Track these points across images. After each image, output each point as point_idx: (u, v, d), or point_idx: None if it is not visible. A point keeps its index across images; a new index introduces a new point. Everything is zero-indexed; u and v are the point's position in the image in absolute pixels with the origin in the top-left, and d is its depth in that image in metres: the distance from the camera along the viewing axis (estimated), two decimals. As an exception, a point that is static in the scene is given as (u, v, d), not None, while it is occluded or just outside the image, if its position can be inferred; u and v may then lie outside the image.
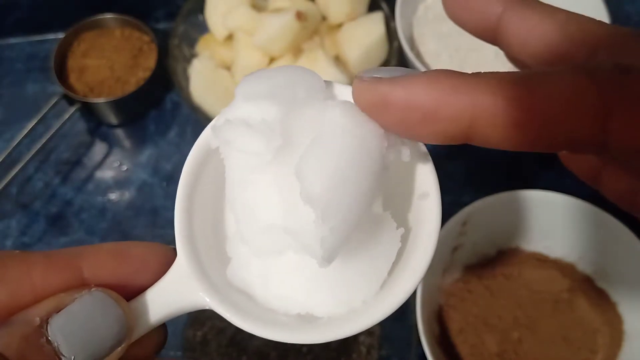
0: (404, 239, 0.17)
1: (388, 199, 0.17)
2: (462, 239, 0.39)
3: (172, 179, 0.47)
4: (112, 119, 0.49)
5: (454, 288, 0.39)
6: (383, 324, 0.39)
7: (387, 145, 0.15)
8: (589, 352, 0.37)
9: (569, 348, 0.37)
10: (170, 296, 0.16)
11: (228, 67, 0.46)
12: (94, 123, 0.50)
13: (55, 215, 0.46)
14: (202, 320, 0.39)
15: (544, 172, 0.47)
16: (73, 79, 0.49)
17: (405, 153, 0.16)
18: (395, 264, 0.16)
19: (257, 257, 0.16)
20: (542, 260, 0.40)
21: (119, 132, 0.50)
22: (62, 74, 0.49)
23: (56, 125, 0.47)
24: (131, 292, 0.16)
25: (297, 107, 0.16)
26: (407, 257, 0.17)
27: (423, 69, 0.45)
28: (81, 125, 0.50)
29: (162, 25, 0.54)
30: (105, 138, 0.50)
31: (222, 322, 0.38)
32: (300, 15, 0.41)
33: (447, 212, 0.45)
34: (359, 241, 0.16)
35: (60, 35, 0.50)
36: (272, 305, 0.17)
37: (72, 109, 0.47)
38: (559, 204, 0.38)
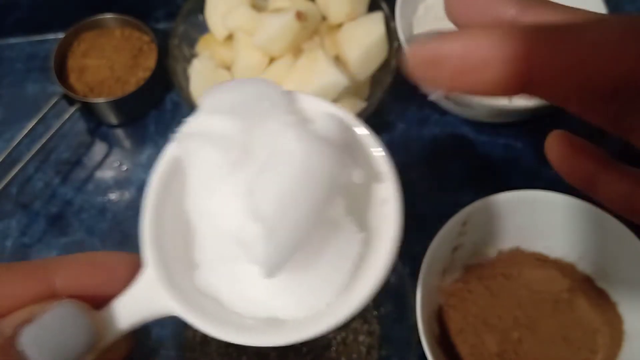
0: (367, 242, 0.18)
1: (353, 204, 0.18)
2: (462, 239, 0.39)
3: (172, 179, 0.47)
4: (112, 119, 0.49)
5: (454, 288, 0.39)
6: (383, 324, 0.39)
7: (339, 168, 0.16)
8: (589, 352, 0.37)
9: (569, 348, 0.37)
10: (138, 304, 0.17)
11: (228, 67, 0.46)
12: (94, 123, 0.50)
13: (55, 215, 0.46)
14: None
15: (543, 172, 0.47)
16: (73, 79, 0.49)
17: (358, 175, 0.17)
18: (359, 266, 0.18)
19: (219, 264, 0.17)
20: (542, 260, 0.40)
21: (119, 132, 0.50)
22: (62, 74, 0.49)
23: (56, 125, 0.47)
24: (102, 301, 0.17)
25: (257, 122, 0.16)
26: (369, 260, 0.18)
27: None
28: (81, 125, 0.50)
29: (162, 25, 0.54)
30: (105, 138, 0.50)
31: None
32: (300, 15, 0.41)
33: (447, 212, 0.45)
34: (319, 247, 0.17)
35: (60, 35, 0.50)
36: (238, 309, 0.18)
37: (72, 109, 0.47)
38: (559, 204, 0.38)
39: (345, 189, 0.17)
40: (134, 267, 0.17)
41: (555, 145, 0.19)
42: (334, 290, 0.18)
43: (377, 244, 0.18)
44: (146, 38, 0.50)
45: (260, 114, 0.17)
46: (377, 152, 0.18)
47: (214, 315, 0.17)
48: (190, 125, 0.17)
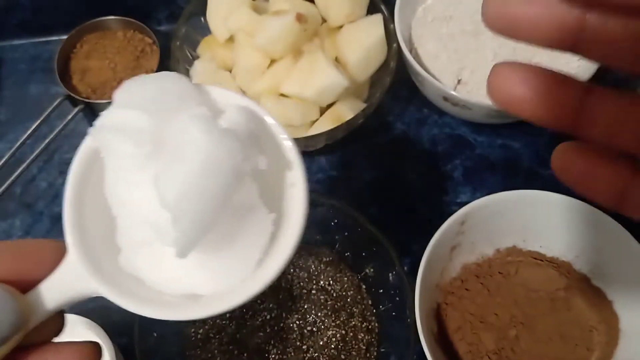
0: (278, 223, 0.20)
1: (266, 189, 0.19)
2: (460, 238, 0.39)
3: (173, 179, 0.48)
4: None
5: (452, 286, 0.40)
6: (382, 322, 0.39)
7: (242, 157, 0.17)
8: (586, 350, 0.37)
9: (565, 346, 0.38)
10: (62, 286, 0.18)
11: (229, 69, 0.47)
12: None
13: (58, 215, 0.46)
14: (203, 319, 0.39)
15: (541, 172, 0.48)
16: (76, 80, 0.49)
17: (263, 162, 0.18)
18: (272, 244, 0.19)
19: (140, 247, 0.19)
20: (539, 259, 0.41)
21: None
22: (65, 76, 0.50)
23: (59, 125, 0.47)
24: (29, 286, 0.18)
25: (168, 115, 0.18)
26: (280, 238, 0.19)
27: (421, 70, 0.45)
28: (84, 126, 0.51)
29: (164, 27, 0.55)
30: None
31: (223, 320, 0.39)
32: (300, 18, 0.42)
33: (446, 212, 0.46)
34: (233, 228, 0.19)
35: (63, 37, 0.50)
36: (160, 288, 0.19)
37: (75, 110, 0.48)
38: (555, 203, 0.38)
39: (256, 175, 0.19)
40: (60, 253, 0.18)
41: (566, 163, 0.15)
42: (248, 267, 0.19)
43: (286, 224, 0.20)
44: (148, 40, 0.51)
45: (171, 108, 0.18)
46: (285, 141, 0.20)
47: (136, 294, 0.19)
48: (105, 119, 0.18)
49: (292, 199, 0.20)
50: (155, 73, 0.20)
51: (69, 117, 0.48)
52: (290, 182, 0.20)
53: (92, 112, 0.50)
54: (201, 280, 0.19)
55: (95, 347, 0.19)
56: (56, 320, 0.19)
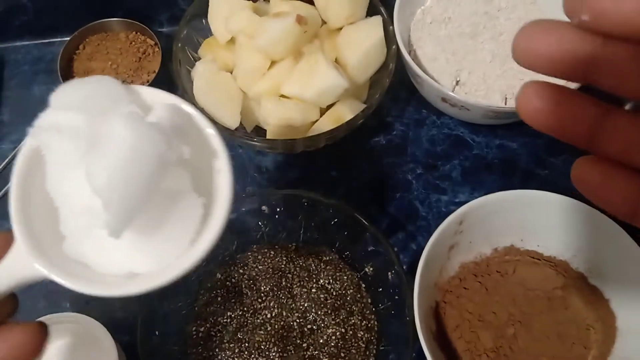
0: (208, 206, 0.22)
1: (197, 175, 0.22)
2: (458, 237, 0.39)
3: (175, 179, 0.48)
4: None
5: (451, 285, 0.40)
6: (381, 320, 0.39)
7: (166, 147, 0.20)
8: (583, 348, 0.38)
9: (562, 344, 0.38)
10: (11, 271, 0.20)
11: (230, 70, 0.47)
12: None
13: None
14: (205, 317, 0.39)
15: (538, 172, 0.48)
16: None
17: (187, 151, 0.21)
18: (203, 225, 0.22)
19: (82, 234, 0.21)
20: (536, 258, 0.41)
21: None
22: (67, 77, 0.50)
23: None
24: None
25: (101, 114, 0.20)
26: (210, 219, 0.22)
27: (420, 72, 0.46)
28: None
29: (166, 29, 0.55)
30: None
31: (224, 319, 0.39)
32: (300, 19, 0.42)
33: (444, 211, 0.46)
34: (166, 212, 0.21)
35: (66, 39, 0.51)
36: (102, 270, 0.21)
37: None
38: (553, 203, 0.39)
39: (187, 164, 0.21)
40: (9, 242, 0.20)
41: (584, 176, 0.16)
42: (182, 246, 0.21)
43: (215, 206, 0.22)
44: (150, 41, 0.51)
45: (104, 108, 0.20)
46: (210, 132, 0.23)
47: (80, 276, 0.21)
48: (43, 120, 0.20)
49: (219, 184, 0.22)
50: (89, 77, 0.22)
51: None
52: (217, 169, 0.22)
53: None
54: (139, 261, 0.21)
55: (42, 326, 0.21)
56: (9, 303, 0.21)
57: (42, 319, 0.37)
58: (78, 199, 0.20)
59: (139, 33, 0.52)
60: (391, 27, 0.46)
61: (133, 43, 0.51)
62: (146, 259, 0.21)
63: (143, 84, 0.49)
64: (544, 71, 0.15)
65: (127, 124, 0.19)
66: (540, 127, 0.16)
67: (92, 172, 0.19)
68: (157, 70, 0.49)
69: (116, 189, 0.19)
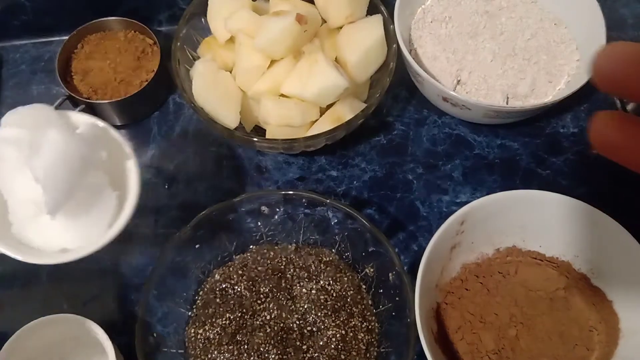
0: (122, 197, 0.33)
1: (114, 174, 0.33)
2: (459, 237, 0.39)
3: (174, 180, 0.48)
4: (116, 120, 0.50)
5: (452, 286, 0.40)
6: (382, 321, 0.39)
7: (88, 150, 0.29)
8: (585, 350, 0.37)
9: (565, 345, 0.38)
10: None
11: (230, 69, 0.47)
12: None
13: (59, 215, 0.47)
14: (204, 319, 0.39)
15: (539, 171, 0.48)
16: (77, 80, 0.50)
17: (104, 155, 0.31)
18: (118, 211, 0.32)
19: (25, 220, 0.30)
20: (538, 259, 0.41)
21: (123, 133, 0.51)
22: (66, 76, 0.50)
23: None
24: None
25: (39, 130, 0.28)
26: (123, 207, 0.33)
27: (421, 71, 0.45)
28: (85, 127, 0.51)
29: (165, 28, 0.55)
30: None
31: (223, 321, 0.39)
32: (300, 19, 0.42)
33: (445, 211, 0.46)
34: (90, 201, 0.31)
35: (65, 38, 0.51)
36: (41, 246, 0.31)
37: (76, 110, 0.48)
38: (555, 203, 0.39)
39: (105, 166, 0.31)
40: None
41: (608, 133, 0.16)
42: (102, 228, 0.32)
43: (127, 198, 0.33)
44: (149, 40, 0.51)
45: (41, 125, 0.29)
46: (123, 142, 0.34)
47: (24, 251, 0.30)
48: None
49: (130, 180, 0.33)
50: (30, 105, 0.31)
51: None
52: (128, 168, 0.33)
53: (93, 112, 0.50)
54: (69, 239, 0.31)
55: None
56: None
57: (40, 320, 0.37)
58: (22, 192, 0.29)
59: (137, 32, 0.52)
60: (391, 26, 0.45)
61: (132, 42, 0.51)
62: (74, 238, 0.31)
63: (142, 83, 0.49)
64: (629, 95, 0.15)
65: (58, 133, 0.28)
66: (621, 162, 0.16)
67: (34, 166, 0.27)
68: (155, 70, 0.49)
69: (51, 178, 0.27)
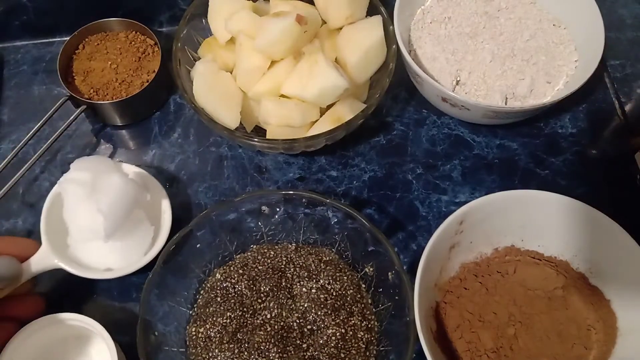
0: (157, 231, 0.42)
1: (151, 212, 0.42)
2: (458, 237, 0.39)
3: (175, 180, 0.48)
4: (117, 120, 0.50)
5: (451, 285, 0.40)
6: (381, 320, 0.39)
7: (138, 192, 0.39)
8: (583, 349, 0.38)
9: (563, 344, 0.38)
10: (39, 262, 0.39)
11: (230, 70, 0.47)
12: (99, 124, 0.51)
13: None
14: (204, 318, 0.39)
15: (538, 171, 0.48)
16: (78, 81, 0.50)
17: (148, 196, 0.41)
18: (153, 242, 0.41)
19: (79, 244, 0.40)
20: (536, 258, 0.41)
21: (124, 134, 0.51)
22: (67, 76, 0.50)
23: (62, 126, 0.48)
24: (21, 260, 0.38)
25: (100, 174, 0.38)
26: (157, 240, 0.41)
27: (420, 72, 0.46)
28: (86, 127, 0.51)
29: (165, 29, 0.55)
30: (110, 139, 0.51)
31: (223, 319, 0.39)
32: (300, 19, 0.42)
33: (444, 211, 0.46)
34: (132, 231, 0.40)
35: (66, 38, 0.51)
36: (91, 265, 0.41)
37: (78, 111, 0.48)
38: (553, 203, 0.39)
39: (146, 206, 0.41)
40: (36, 246, 0.39)
41: None
42: (139, 254, 0.40)
43: (161, 232, 0.42)
44: (150, 41, 0.51)
45: (101, 170, 0.38)
46: (159, 186, 0.43)
47: (77, 267, 0.39)
48: (67, 176, 0.38)
49: (164, 218, 0.42)
50: (93, 155, 0.44)
51: (72, 117, 0.48)
52: (163, 209, 0.43)
53: (94, 113, 0.50)
54: (112, 261, 0.40)
55: (39, 298, 0.39)
56: (31, 282, 0.39)
57: (43, 319, 0.37)
58: (82, 221, 0.38)
59: (138, 33, 0.52)
60: (391, 26, 0.46)
61: (133, 43, 0.51)
62: (116, 260, 0.40)
63: (143, 84, 0.49)
64: None
65: (119, 177, 0.38)
66: None
67: (100, 201, 0.37)
68: (156, 70, 0.49)
69: (112, 211, 0.37)
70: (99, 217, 0.36)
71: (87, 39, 0.52)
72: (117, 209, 0.37)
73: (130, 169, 0.43)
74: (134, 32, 0.52)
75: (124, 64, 0.50)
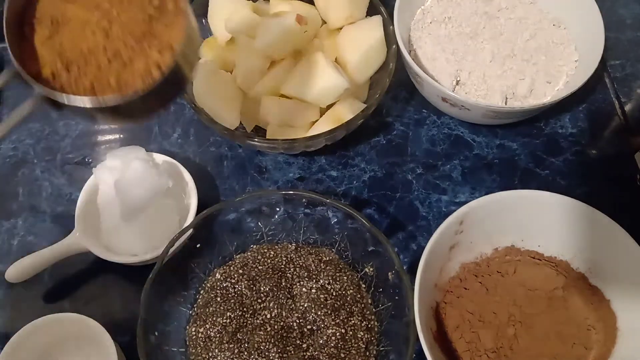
0: (182, 219, 0.43)
1: (179, 203, 0.44)
2: (458, 237, 0.39)
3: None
4: (118, 120, 0.50)
5: (451, 285, 0.40)
6: (381, 320, 0.39)
7: (158, 178, 0.40)
8: (583, 349, 0.38)
9: (563, 344, 0.38)
10: (71, 245, 0.41)
11: (230, 70, 0.47)
12: (99, 124, 0.51)
13: (60, 215, 0.47)
14: (204, 318, 0.39)
15: (538, 171, 0.48)
16: (40, 37, 0.27)
17: (170, 182, 0.41)
18: (178, 229, 0.41)
19: (110, 229, 0.42)
20: (536, 258, 0.41)
21: (123, 134, 0.51)
22: (22, 27, 0.26)
23: (61, 126, 0.47)
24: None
25: (129, 162, 0.40)
26: (183, 227, 0.40)
27: (420, 72, 0.46)
28: (86, 126, 0.51)
29: (165, 29, 0.55)
30: (110, 139, 0.51)
31: (223, 319, 0.39)
32: (300, 19, 0.42)
33: (444, 211, 0.46)
34: (159, 219, 0.41)
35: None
36: (118, 249, 0.42)
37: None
38: (553, 203, 0.39)
39: (173, 194, 0.43)
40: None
41: None
42: (164, 242, 0.39)
43: (186, 220, 0.42)
44: None
45: (131, 158, 0.40)
46: (186, 173, 0.44)
47: (107, 251, 0.41)
48: (101, 164, 0.42)
49: (190, 210, 0.42)
50: (128, 146, 0.43)
51: (71, 117, 0.47)
52: (192, 203, 0.43)
53: (53, 104, 0.27)
54: (139, 246, 0.41)
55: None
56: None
57: (42, 319, 0.37)
58: (112, 207, 0.40)
59: None
60: (391, 26, 0.46)
61: None
62: (142, 246, 0.42)
63: (149, 73, 0.26)
64: None
65: (139, 163, 0.40)
66: None
67: (117, 183, 0.39)
68: (176, 45, 0.25)
69: (127, 193, 0.39)
70: (117, 199, 0.39)
71: None
72: (134, 192, 0.39)
73: (161, 159, 0.44)
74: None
75: (122, 21, 0.25)
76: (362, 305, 0.40)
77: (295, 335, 0.38)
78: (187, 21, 0.26)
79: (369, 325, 0.39)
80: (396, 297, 0.38)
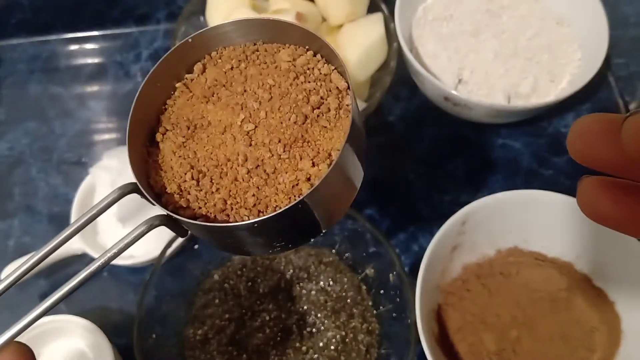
0: None
1: None
2: (460, 238, 0.39)
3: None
4: (114, 119, 0.50)
5: (453, 287, 0.39)
6: (382, 322, 0.39)
7: None
8: (587, 351, 0.37)
9: (567, 347, 0.37)
10: (69, 247, 0.41)
11: (229, 68, 0.47)
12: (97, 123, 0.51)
13: (57, 215, 0.47)
14: (203, 320, 0.39)
15: (541, 171, 0.47)
16: (169, 145, 0.19)
17: None
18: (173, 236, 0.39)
19: (108, 230, 0.41)
20: (540, 260, 0.40)
21: (121, 133, 0.51)
22: (148, 132, 0.21)
23: (57, 125, 0.47)
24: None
25: (126, 162, 0.33)
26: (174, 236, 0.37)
27: (422, 70, 0.45)
28: (83, 126, 0.51)
29: (163, 26, 0.54)
30: (107, 139, 0.50)
31: (222, 322, 0.39)
32: (300, 17, 0.42)
33: (446, 212, 0.46)
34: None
35: (62, 37, 0.50)
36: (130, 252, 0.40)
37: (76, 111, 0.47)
38: (556, 203, 0.38)
39: None
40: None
41: (595, 198, 0.16)
42: (159, 246, 0.38)
43: None
44: (337, 79, 0.32)
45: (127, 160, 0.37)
46: None
47: (103, 252, 0.36)
48: (98, 164, 0.42)
49: None
50: (121, 147, 0.43)
51: (70, 117, 0.47)
52: None
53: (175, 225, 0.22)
54: (137, 247, 0.39)
55: (25, 348, 0.21)
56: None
57: (39, 322, 0.36)
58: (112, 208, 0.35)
59: (319, 56, 0.23)
60: (392, 24, 0.45)
61: (304, 76, 0.22)
62: (139, 247, 0.40)
63: (295, 189, 0.20)
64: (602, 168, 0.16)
65: None
66: (616, 229, 0.16)
67: (115, 182, 0.39)
68: (339, 151, 0.18)
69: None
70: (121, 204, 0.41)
71: (215, 54, 0.22)
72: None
73: None
74: (306, 52, 0.22)
75: (270, 123, 0.21)
76: (363, 307, 0.39)
77: (294, 337, 0.38)
78: (349, 123, 0.20)
79: (370, 328, 0.39)
80: (397, 299, 0.37)
